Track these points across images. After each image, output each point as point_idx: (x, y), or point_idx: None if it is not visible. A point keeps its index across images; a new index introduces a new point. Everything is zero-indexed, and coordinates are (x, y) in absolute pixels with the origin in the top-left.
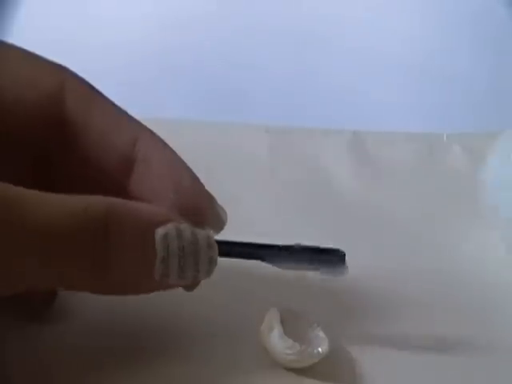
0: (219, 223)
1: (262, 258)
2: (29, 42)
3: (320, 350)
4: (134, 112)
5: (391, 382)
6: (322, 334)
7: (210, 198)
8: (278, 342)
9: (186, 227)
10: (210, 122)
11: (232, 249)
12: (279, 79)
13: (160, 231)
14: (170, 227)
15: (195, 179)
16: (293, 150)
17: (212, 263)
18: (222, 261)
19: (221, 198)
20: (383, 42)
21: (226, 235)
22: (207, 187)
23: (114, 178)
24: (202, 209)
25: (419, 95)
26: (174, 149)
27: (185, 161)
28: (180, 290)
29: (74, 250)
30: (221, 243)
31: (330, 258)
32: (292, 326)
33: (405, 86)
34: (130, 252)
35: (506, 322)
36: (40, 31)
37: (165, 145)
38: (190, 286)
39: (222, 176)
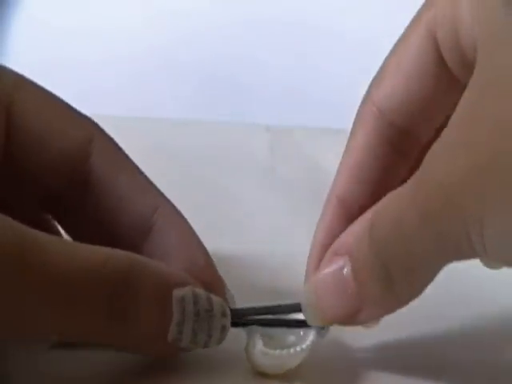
0: None
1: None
2: (28, 43)
3: (298, 348)
4: (134, 111)
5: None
6: (301, 332)
7: (220, 283)
8: (261, 358)
9: (201, 292)
10: (210, 120)
11: (244, 314)
12: (280, 79)
13: (177, 293)
14: (187, 290)
15: (209, 260)
16: (293, 149)
17: (224, 331)
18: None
19: (221, 197)
20: (385, 42)
21: (225, 235)
22: (208, 186)
23: (126, 241)
24: (212, 291)
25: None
26: (173, 148)
27: (185, 159)
28: None
29: (92, 300)
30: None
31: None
32: (274, 333)
33: None
34: (147, 309)
35: None
36: (40, 31)
37: (183, 218)
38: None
39: (222, 175)
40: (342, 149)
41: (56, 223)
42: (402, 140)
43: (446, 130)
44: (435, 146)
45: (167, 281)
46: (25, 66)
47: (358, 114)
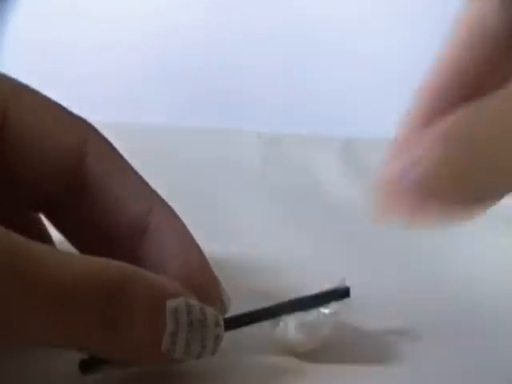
0: (222, 308)
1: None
2: (26, 43)
3: (327, 311)
4: (127, 116)
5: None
6: (327, 311)
7: (216, 283)
8: (296, 332)
9: (195, 303)
10: (202, 127)
11: (238, 321)
12: (271, 86)
13: (171, 304)
14: (180, 301)
15: (204, 259)
16: (284, 156)
17: (218, 341)
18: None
19: (212, 204)
20: (376, 50)
21: (216, 241)
22: (199, 192)
23: (122, 241)
24: (207, 290)
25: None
26: (166, 155)
27: (177, 166)
28: None
29: (85, 309)
30: (227, 320)
31: (336, 297)
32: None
33: (398, 93)
34: (141, 319)
35: None
36: (37, 31)
37: (177, 217)
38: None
39: (214, 181)
40: (334, 156)
41: (46, 228)
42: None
43: None
44: None
45: (161, 291)
46: (20, 74)
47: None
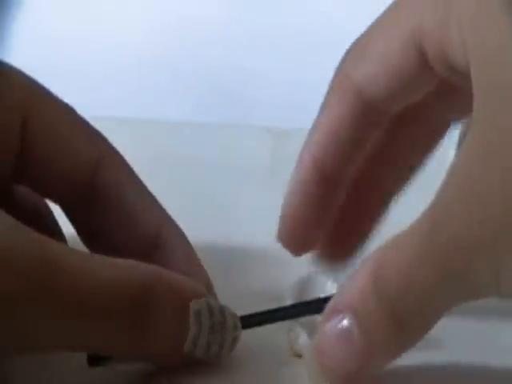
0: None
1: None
2: (29, 43)
3: None
4: (135, 112)
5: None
6: None
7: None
8: (302, 342)
9: (215, 304)
10: (212, 123)
11: (253, 321)
12: (280, 80)
13: (194, 307)
14: (202, 303)
15: (209, 282)
16: (294, 151)
17: (235, 342)
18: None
19: (222, 199)
20: None
21: (226, 237)
22: (208, 188)
23: (131, 255)
24: None
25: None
26: (175, 150)
27: (186, 162)
28: None
29: (114, 315)
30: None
31: None
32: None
33: None
34: (167, 323)
35: None
36: (41, 32)
37: (185, 237)
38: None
39: (224, 177)
40: None
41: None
42: (376, 113)
43: (455, 178)
44: (445, 196)
45: (186, 293)
46: (29, 69)
47: (333, 84)
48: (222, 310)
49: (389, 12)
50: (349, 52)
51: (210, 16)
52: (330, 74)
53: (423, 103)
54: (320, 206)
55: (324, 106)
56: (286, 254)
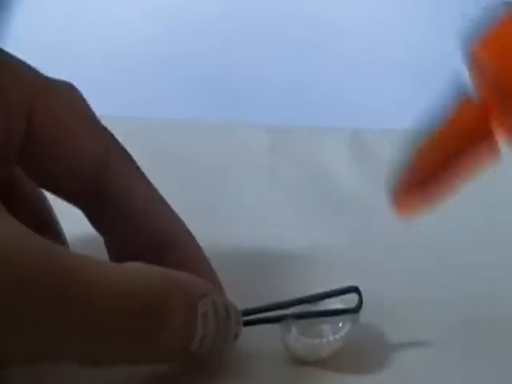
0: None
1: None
2: (27, 41)
3: (332, 338)
4: (135, 111)
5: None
6: (339, 323)
7: None
8: (294, 342)
9: (219, 301)
10: (211, 121)
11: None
12: (279, 79)
13: (201, 308)
14: (209, 303)
15: (220, 286)
16: (293, 149)
17: (236, 338)
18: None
19: (221, 198)
20: (384, 40)
21: (225, 236)
22: (207, 186)
23: (141, 256)
24: None
25: (421, 93)
26: (175, 149)
27: (186, 160)
28: None
29: (127, 326)
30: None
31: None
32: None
33: (406, 83)
34: (178, 328)
35: None
36: (38, 30)
37: (193, 236)
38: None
39: (223, 176)
40: (343, 147)
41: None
42: None
43: None
44: None
45: (194, 294)
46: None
47: None
48: (226, 306)
49: None
50: None
51: (210, 16)
52: (329, 73)
53: None
54: None
55: None
56: (286, 253)
